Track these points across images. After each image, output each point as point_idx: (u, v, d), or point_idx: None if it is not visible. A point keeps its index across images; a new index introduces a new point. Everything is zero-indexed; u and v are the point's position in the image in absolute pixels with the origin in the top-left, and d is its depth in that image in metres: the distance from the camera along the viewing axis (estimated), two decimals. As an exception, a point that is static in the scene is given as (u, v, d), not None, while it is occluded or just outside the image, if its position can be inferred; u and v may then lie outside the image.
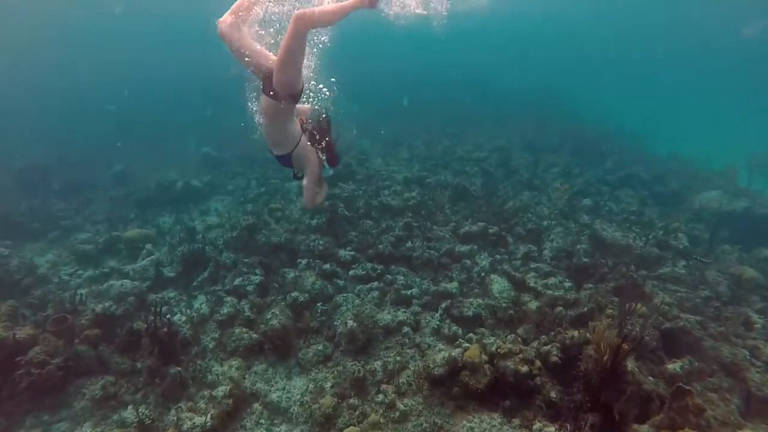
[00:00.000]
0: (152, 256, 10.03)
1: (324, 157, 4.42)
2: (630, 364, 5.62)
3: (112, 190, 15.45)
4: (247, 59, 3.79)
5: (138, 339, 7.00)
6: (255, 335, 7.37)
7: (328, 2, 3.59)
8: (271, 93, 3.78)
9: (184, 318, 7.95)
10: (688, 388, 5.10)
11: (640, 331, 6.44)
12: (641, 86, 46.70)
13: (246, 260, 9.51)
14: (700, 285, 8.89)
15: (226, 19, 3.75)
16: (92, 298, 8.30)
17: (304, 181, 4.41)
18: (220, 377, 6.76)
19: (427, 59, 40.55)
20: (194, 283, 9.20)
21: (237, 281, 8.76)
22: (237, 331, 7.42)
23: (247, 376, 6.88)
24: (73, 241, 11.10)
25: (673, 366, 6.32)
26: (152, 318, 6.91)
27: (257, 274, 9.01)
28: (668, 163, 19.39)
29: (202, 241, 10.50)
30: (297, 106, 4.15)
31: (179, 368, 6.67)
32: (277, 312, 7.58)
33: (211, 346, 7.42)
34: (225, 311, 7.91)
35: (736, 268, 9.56)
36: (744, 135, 29.62)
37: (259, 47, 3.88)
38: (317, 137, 4.34)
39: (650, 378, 5.96)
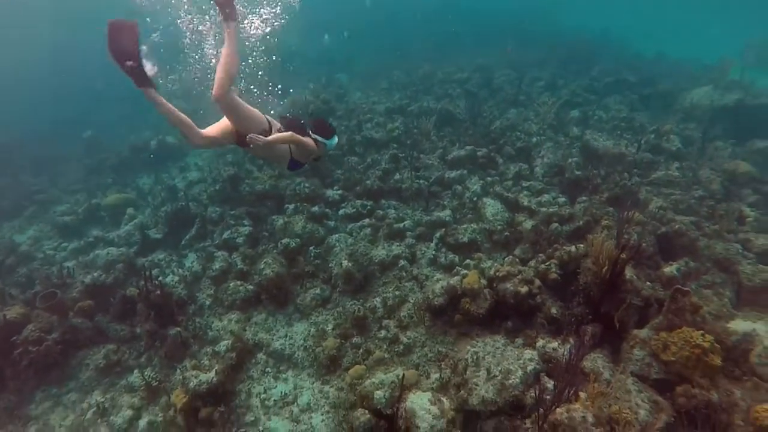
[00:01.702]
0: (135, 220, 9.74)
1: (317, 137, 4.57)
2: (628, 272, 5.59)
3: (85, 158, 14.76)
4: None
5: (133, 305, 6.92)
6: (250, 287, 7.29)
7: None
8: (249, 145, 4.03)
9: (177, 278, 7.82)
10: (685, 289, 5.11)
11: (638, 239, 6.37)
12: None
13: (232, 212, 9.25)
14: (693, 185, 8.79)
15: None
16: (80, 269, 8.10)
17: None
18: (221, 332, 6.76)
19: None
20: (183, 242, 9.01)
21: (226, 235, 8.57)
22: (232, 285, 7.33)
23: (247, 328, 6.88)
24: (52, 215, 10.72)
25: (670, 269, 6.34)
26: (144, 283, 6.77)
27: (245, 225, 8.80)
28: (656, 64, 18.71)
29: (185, 198, 10.16)
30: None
31: (178, 328, 6.64)
32: (270, 261, 7.45)
33: (207, 302, 7.36)
34: (217, 266, 7.78)
35: (730, 163, 9.42)
36: (739, 24, 28.45)
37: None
38: (297, 129, 4.47)
39: (648, 283, 5.98)
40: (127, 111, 17.94)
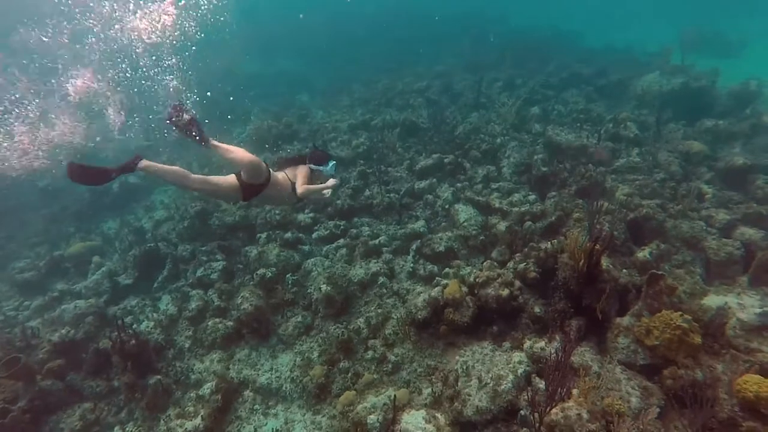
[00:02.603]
0: (103, 268, 9.32)
1: (313, 166, 5.01)
2: (604, 262, 5.66)
3: (43, 208, 14.12)
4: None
5: (107, 358, 6.58)
6: (230, 323, 7.09)
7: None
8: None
9: (152, 323, 7.51)
10: (660, 273, 5.21)
11: (609, 228, 6.48)
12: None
13: (204, 248, 9.02)
14: (654, 169, 9.05)
15: None
16: (46, 327, 7.68)
17: (300, 190, 4.86)
18: (204, 374, 6.50)
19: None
20: (155, 285, 8.70)
21: (199, 272, 8.34)
22: (210, 323, 7.11)
23: (231, 366, 6.65)
24: (11, 272, 10.17)
25: (643, 253, 6.46)
26: (117, 333, 6.46)
27: (219, 260, 8.59)
28: (605, 55, 19.43)
29: (153, 239, 9.84)
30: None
31: (159, 376, 6.35)
32: (247, 294, 7.25)
33: (187, 345, 7.09)
34: (193, 306, 7.53)
35: (684, 144, 9.77)
36: (673, 13, 29.97)
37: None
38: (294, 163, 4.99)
39: (624, 270, 6.07)
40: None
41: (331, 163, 5.17)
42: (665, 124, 11.18)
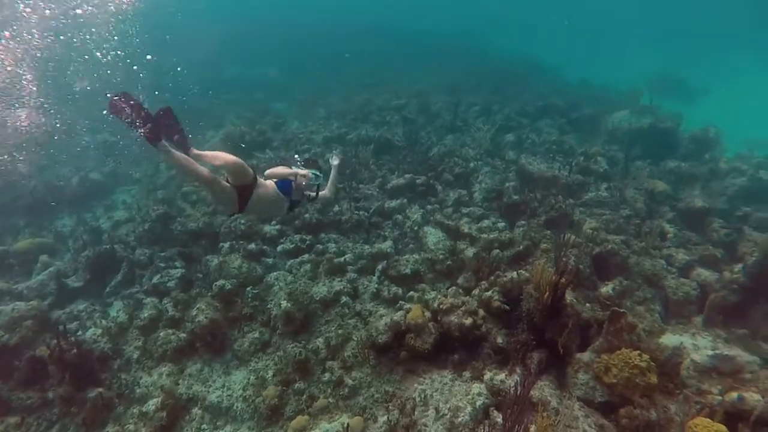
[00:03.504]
0: (51, 268, 8.75)
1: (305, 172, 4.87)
2: (569, 295, 5.67)
3: (-8, 199, 13.30)
4: None
5: (44, 367, 6.11)
6: (183, 335, 6.74)
7: None
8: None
9: (99, 331, 7.05)
10: (621, 310, 5.25)
11: (575, 262, 6.53)
12: (545, 19, 47.59)
13: (163, 254, 8.62)
14: (621, 205, 9.28)
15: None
16: (-23, 330, 7.09)
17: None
18: (150, 388, 6.15)
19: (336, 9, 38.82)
20: (107, 290, 8.22)
21: (156, 279, 7.94)
22: (162, 334, 6.74)
23: (180, 381, 6.30)
24: (-54, 266, 9.45)
25: (606, 288, 6.54)
26: (56, 340, 6.02)
27: (177, 267, 8.22)
28: (580, 89, 20.11)
29: (110, 240, 9.34)
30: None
31: (100, 389, 5.94)
32: (203, 306, 6.93)
33: (135, 356, 6.69)
34: (146, 314, 7.14)
35: (649, 182, 10.08)
36: (642, 56, 31.51)
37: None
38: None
39: (587, 305, 6.11)
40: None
41: (313, 172, 5.01)
42: (633, 161, 11.55)
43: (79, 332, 7.01)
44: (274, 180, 4.77)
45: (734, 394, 4.61)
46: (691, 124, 14.24)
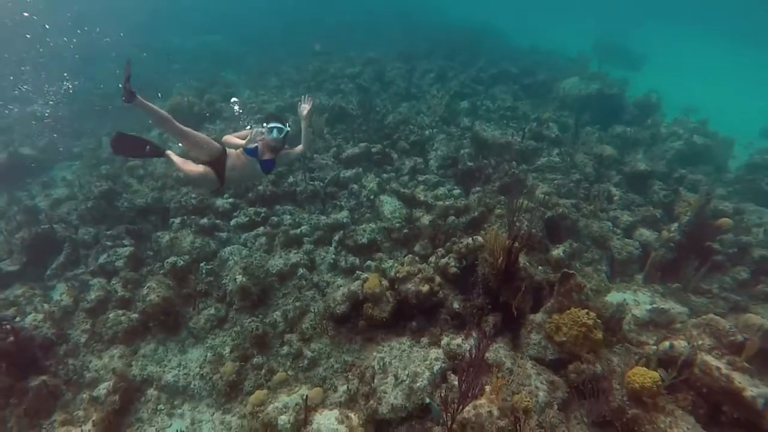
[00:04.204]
0: (-21, 252, 8.06)
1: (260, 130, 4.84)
2: (522, 259, 5.80)
3: None
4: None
5: (-24, 357, 5.66)
6: (135, 315, 6.44)
7: None
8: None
9: (41, 316, 6.56)
10: (571, 272, 5.43)
11: (528, 227, 6.67)
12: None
13: (109, 232, 8.14)
14: (572, 169, 9.54)
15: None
16: None
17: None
18: (101, 372, 5.86)
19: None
20: (48, 272, 7.69)
21: (102, 258, 7.52)
22: (112, 315, 6.41)
23: (134, 362, 6.05)
24: None
25: (557, 252, 6.75)
26: (-11, 328, 5.58)
27: (126, 246, 7.80)
28: (531, 55, 20.26)
29: (48, 220, 8.67)
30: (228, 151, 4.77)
31: (44, 377, 5.59)
32: (154, 285, 6.61)
33: (83, 339, 6.33)
34: (93, 296, 6.75)
35: (598, 147, 10.40)
36: (589, 22, 32.13)
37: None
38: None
39: (540, 268, 6.29)
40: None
41: (273, 125, 4.84)
42: (583, 126, 11.85)
43: (18, 319, 6.52)
44: (240, 149, 4.75)
45: (666, 343, 4.95)
46: (635, 90, 14.78)
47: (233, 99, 5.71)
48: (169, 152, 4.70)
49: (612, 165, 9.90)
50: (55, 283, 7.55)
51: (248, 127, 5.02)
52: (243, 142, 4.76)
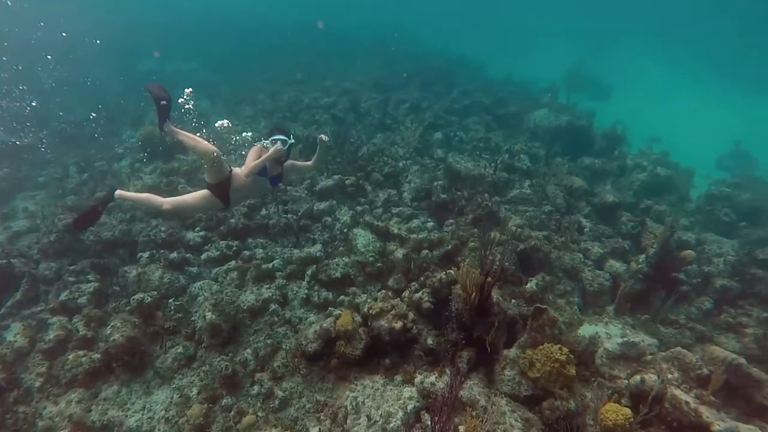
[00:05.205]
0: (-75, 289, 7.60)
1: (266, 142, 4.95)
2: (495, 294, 5.82)
3: None
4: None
5: None
6: (97, 356, 6.09)
7: None
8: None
9: (-11, 359, 6.21)
10: (543, 306, 5.48)
11: (501, 260, 6.73)
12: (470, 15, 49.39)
13: (72, 267, 7.79)
14: (543, 201, 9.74)
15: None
16: None
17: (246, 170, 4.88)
18: (56, 419, 5.49)
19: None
20: (2, 310, 7.25)
21: (64, 295, 7.15)
22: (72, 356, 6.04)
23: (93, 407, 5.69)
24: None
25: (530, 285, 6.80)
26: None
27: (90, 281, 7.45)
28: (505, 86, 20.91)
29: (5, 255, 8.27)
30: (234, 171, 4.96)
31: (-11, 427, 5.23)
32: (118, 324, 6.31)
33: (37, 384, 5.93)
34: (52, 336, 6.37)
35: (568, 179, 10.69)
36: (558, 54, 33.56)
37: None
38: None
39: (513, 301, 6.32)
40: None
41: (279, 137, 4.87)
42: (553, 158, 12.19)
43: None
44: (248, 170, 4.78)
45: (637, 377, 4.99)
46: (603, 119, 15.36)
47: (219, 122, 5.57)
48: (120, 192, 5.12)
49: (582, 196, 10.16)
50: (10, 322, 7.14)
51: (264, 140, 5.04)
52: (254, 163, 4.75)
